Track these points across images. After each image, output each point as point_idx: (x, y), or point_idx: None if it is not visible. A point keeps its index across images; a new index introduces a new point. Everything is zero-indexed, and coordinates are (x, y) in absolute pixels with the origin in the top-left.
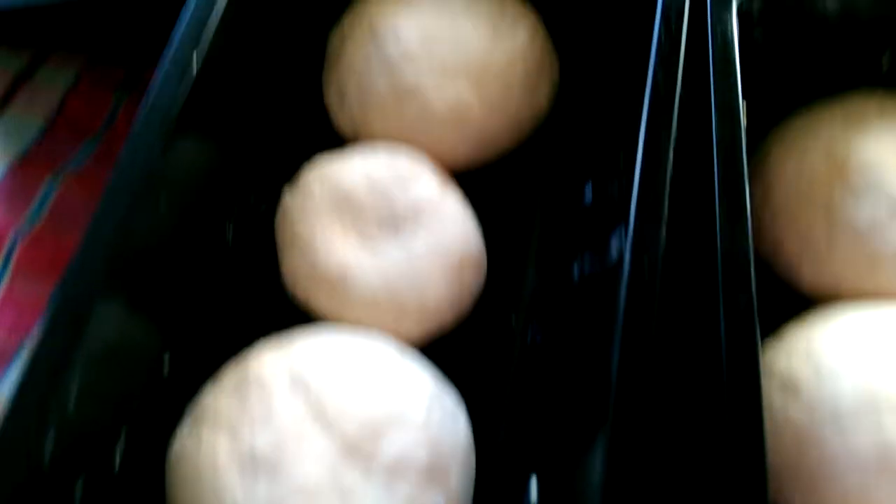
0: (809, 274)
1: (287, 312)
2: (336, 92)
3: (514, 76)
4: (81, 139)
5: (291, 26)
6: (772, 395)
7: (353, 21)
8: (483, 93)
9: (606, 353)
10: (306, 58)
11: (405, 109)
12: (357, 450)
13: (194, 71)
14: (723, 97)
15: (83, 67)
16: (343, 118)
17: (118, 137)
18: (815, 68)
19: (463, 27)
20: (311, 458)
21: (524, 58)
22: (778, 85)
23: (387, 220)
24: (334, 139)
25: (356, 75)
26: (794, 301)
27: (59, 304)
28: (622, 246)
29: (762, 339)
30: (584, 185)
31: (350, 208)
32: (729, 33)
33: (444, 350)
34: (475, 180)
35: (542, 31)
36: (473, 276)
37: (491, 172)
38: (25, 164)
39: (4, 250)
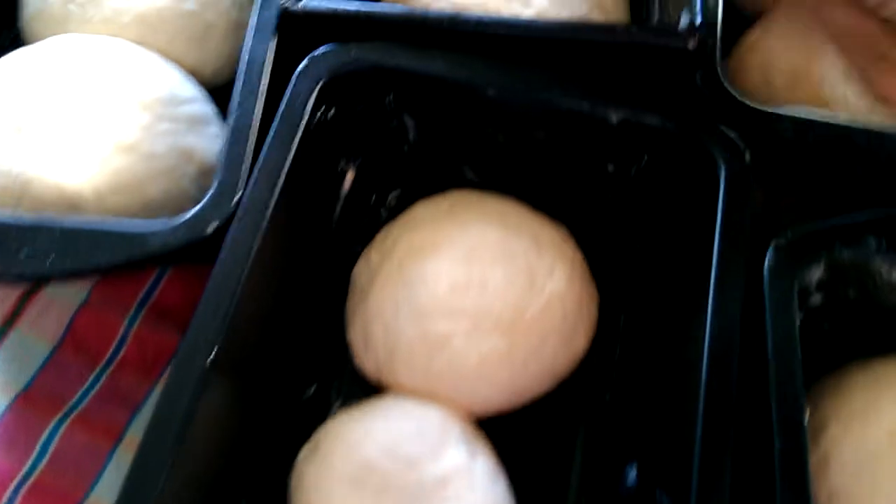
0: None
1: None
2: (361, 332)
3: (550, 322)
4: (90, 368)
5: (315, 257)
6: None
7: (382, 259)
8: (517, 344)
9: None
10: (327, 291)
11: (434, 360)
12: None
13: (209, 360)
14: (784, 408)
15: (95, 283)
16: (368, 361)
17: (126, 367)
18: (875, 327)
19: (497, 275)
20: None
21: (561, 301)
22: (833, 338)
23: (412, 494)
24: (355, 377)
25: (383, 319)
26: None
27: None
28: None
29: None
30: (626, 466)
31: (372, 481)
32: (791, 329)
33: None
34: (506, 425)
35: (581, 266)
36: None
37: (523, 415)
38: (29, 399)
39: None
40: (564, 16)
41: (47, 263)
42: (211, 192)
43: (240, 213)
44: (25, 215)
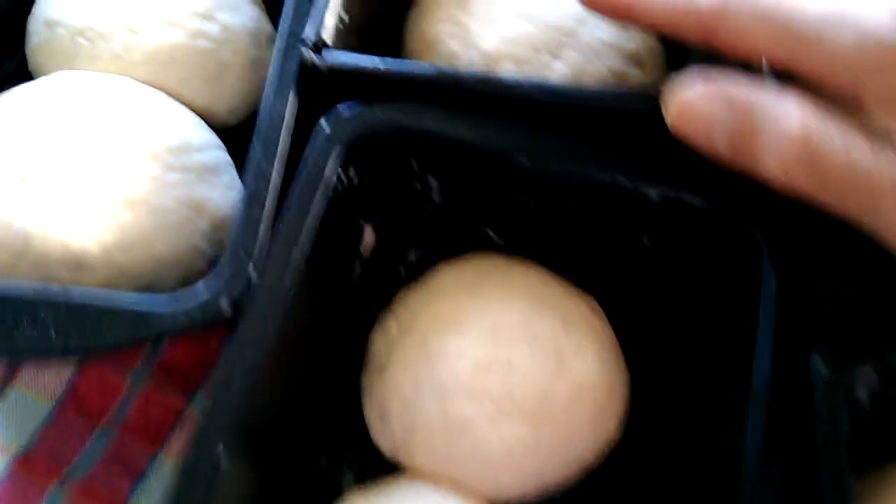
0: None
1: None
2: (377, 408)
3: (578, 407)
4: (91, 430)
5: (332, 321)
6: None
7: (400, 331)
8: (544, 430)
9: None
10: (344, 355)
11: (455, 444)
12: None
13: (222, 466)
14: None
15: None
16: (384, 439)
17: (130, 430)
18: None
19: (523, 356)
20: None
21: (591, 385)
22: (878, 435)
23: None
24: (370, 449)
25: (401, 397)
26: None
27: None
28: None
29: None
30: None
31: None
32: (839, 436)
33: None
34: None
35: (611, 343)
36: None
37: None
38: (28, 462)
39: None
40: (599, 68)
41: (48, 340)
42: (225, 263)
43: (256, 288)
44: (25, 286)
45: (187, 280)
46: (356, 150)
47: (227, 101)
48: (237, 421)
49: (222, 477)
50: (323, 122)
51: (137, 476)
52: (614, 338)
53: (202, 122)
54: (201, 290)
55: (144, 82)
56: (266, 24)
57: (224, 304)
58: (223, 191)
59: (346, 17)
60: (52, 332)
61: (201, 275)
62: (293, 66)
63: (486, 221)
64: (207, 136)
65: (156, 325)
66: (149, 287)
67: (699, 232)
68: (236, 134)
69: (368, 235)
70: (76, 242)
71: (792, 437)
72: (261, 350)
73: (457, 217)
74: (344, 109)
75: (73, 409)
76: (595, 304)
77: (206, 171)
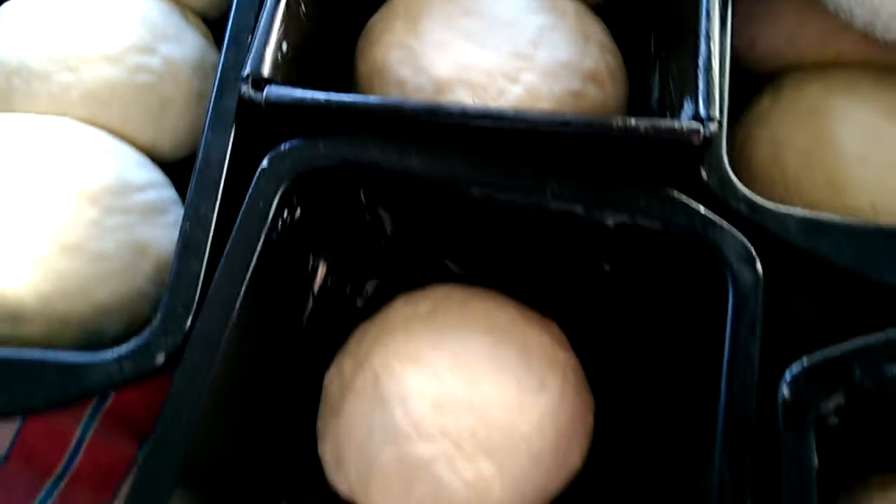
0: None
1: None
2: (332, 450)
3: (543, 440)
4: (41, 482)
5: (284, 362)
6: None
7: (355, 369)
8: (507, 467)
9: None
10: (299, 397)
11: (414, 487)
12: None
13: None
14: None
15: None
16: (340, 482)
17: (79, 481)
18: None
19: (483, 392)
20: None
21: (554, 416)
22: (848, 455)
23: None
24: (329, 493)
25: (357, 440)
26: None
27: None
28: None
29: None
30: None
31: None
32: (808, 462)
33: None
34: None
35: (574, 372)
36: None
37: None
38: None
39: None
40: (556, 91)
41: None
42: (159, 314)
43: (194, 339)
44: None
45: (133, 324)
46: (299, 187)
47: (171, 135)
48: (181, 466)
49: None
50: (265, 161)
51: None
52: (579, 365)
53: (145, 159)
54: (136, 344)
55: (84, 121)
56: (212, 54)
57: (159, 357)
58: (168, 230)
59: (286, 49)
60: None
61: (147, 318)
62: (232, 103)
63: (442, 251)
64: (150, 174)
65: (88, 380)
66: (93, 334)
67: (662, 257)
68: (183, 168)
69: (321, 273)
70: (11, 293)
71: (761, 467)
72: (199, 400)
73: (412, 248)
74: (285, 145)
75: (21, 461)
76: (558, 330)
77: (150, 212)
